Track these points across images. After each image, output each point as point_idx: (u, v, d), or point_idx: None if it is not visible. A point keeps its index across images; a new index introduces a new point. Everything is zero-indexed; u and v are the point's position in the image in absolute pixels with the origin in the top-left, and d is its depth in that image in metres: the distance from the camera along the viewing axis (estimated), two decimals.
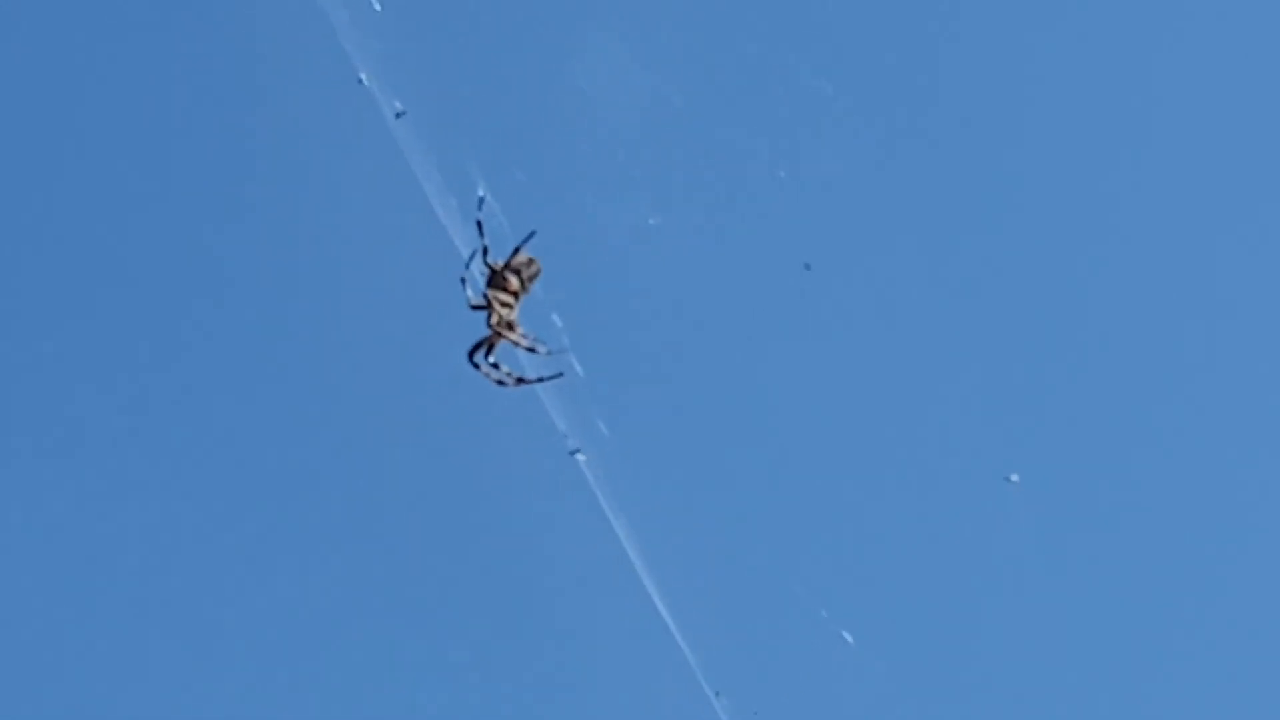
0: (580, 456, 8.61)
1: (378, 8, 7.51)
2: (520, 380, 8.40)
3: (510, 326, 8.19)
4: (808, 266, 8.81)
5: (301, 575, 12.19)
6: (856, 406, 10.29)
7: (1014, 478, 9.23)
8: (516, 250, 8.28)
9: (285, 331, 11.44)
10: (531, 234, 8.26)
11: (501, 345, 8.38)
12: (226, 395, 12.07)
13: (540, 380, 8.41)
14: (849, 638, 8.67)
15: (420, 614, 11.61)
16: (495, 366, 8.38)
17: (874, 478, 10.59)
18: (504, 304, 8.25)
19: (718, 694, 8.97)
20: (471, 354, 8.36)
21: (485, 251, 8.24)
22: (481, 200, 8.16)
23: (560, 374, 8.37)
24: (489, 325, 8.27)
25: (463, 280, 8.33)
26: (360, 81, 8.10)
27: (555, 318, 8.50)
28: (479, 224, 8.22)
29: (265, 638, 14.07)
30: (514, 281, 8.25)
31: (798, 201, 8.97)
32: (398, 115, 8.18)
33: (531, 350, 8.32)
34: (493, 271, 8.23)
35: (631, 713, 11.50)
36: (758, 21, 9.38)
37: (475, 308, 8.33)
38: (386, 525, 11.18)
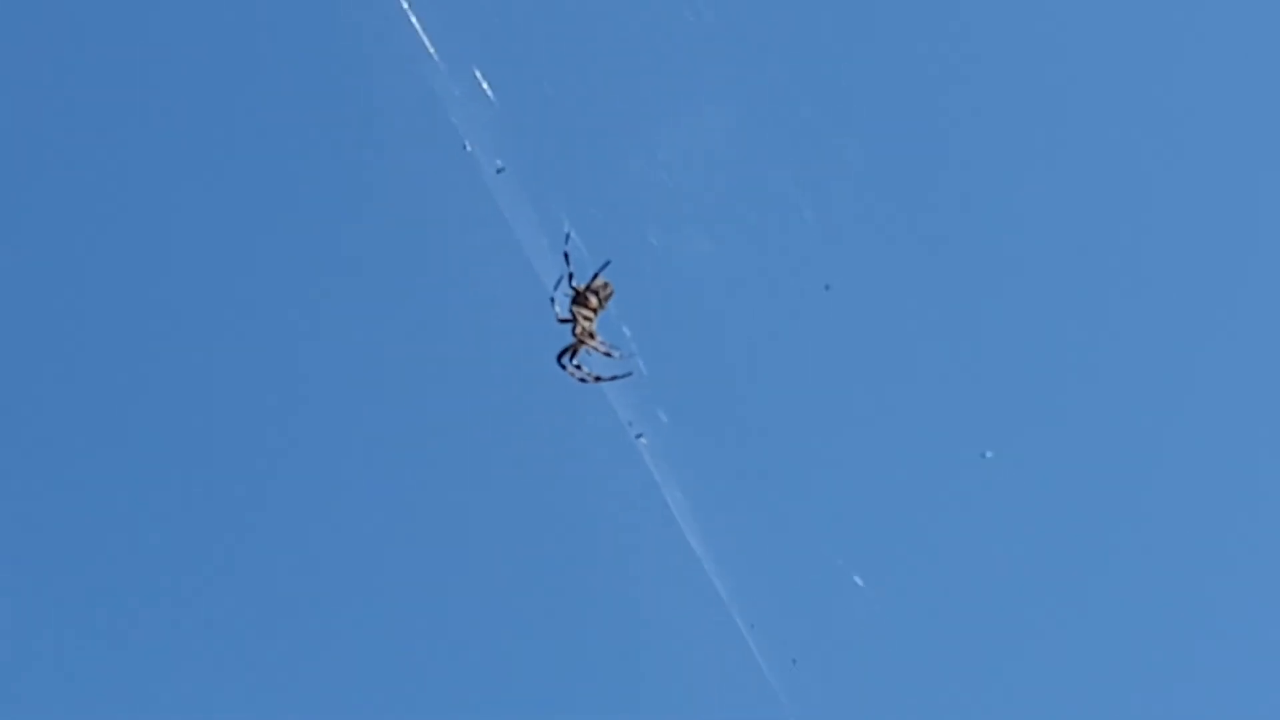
0: (642, 440, 10.82)
1: (489, 95, 9.74)
2: (598, 378, 10.62)
3: (591, 336, 10.42)
4: (827, 287, 11.04)
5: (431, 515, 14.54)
6: (868, 399, 12.53)
7: (988, 454, 11.43)
8: (595, 275, 10.50)
9: (421, 339, 13.73)
10: (607, 263, 10.48)
11: (583, 351, 10.60)
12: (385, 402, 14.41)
13: (614, 379, 10.62)
14: (859, 581, 10.86)
15: (509, 559, 13.91)
16: (578, 368, 10.59)
17: (879, 457, 12.82)
18: (585, 318, 10.47)
19: (794, 661, 11.16)
20: (559, 357, 10.58)
21: (571, 276, 10.46)
22: (568, 236, 10.38)
23: (630, 374, 10.58)
24: (574, 335, 10.49)
25: (551, 299, 10.55)
26: (465, 148, 10.31)
27: (625, 329, 10.72)
28: (565, 255, 10.45)
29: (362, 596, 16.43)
30: (593, 300, 10.48)
31: (818, 237, 11.16)
32: (498, 171, 10.41)
33: (607, 355, 10.53)
34: (576, 292, 10.45)
35: (674, 656, 13.72)
36: (790, 96, 11.63)
37: (562, 321, 10.56)
38: (493, 489, 13.45)
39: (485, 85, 10.11)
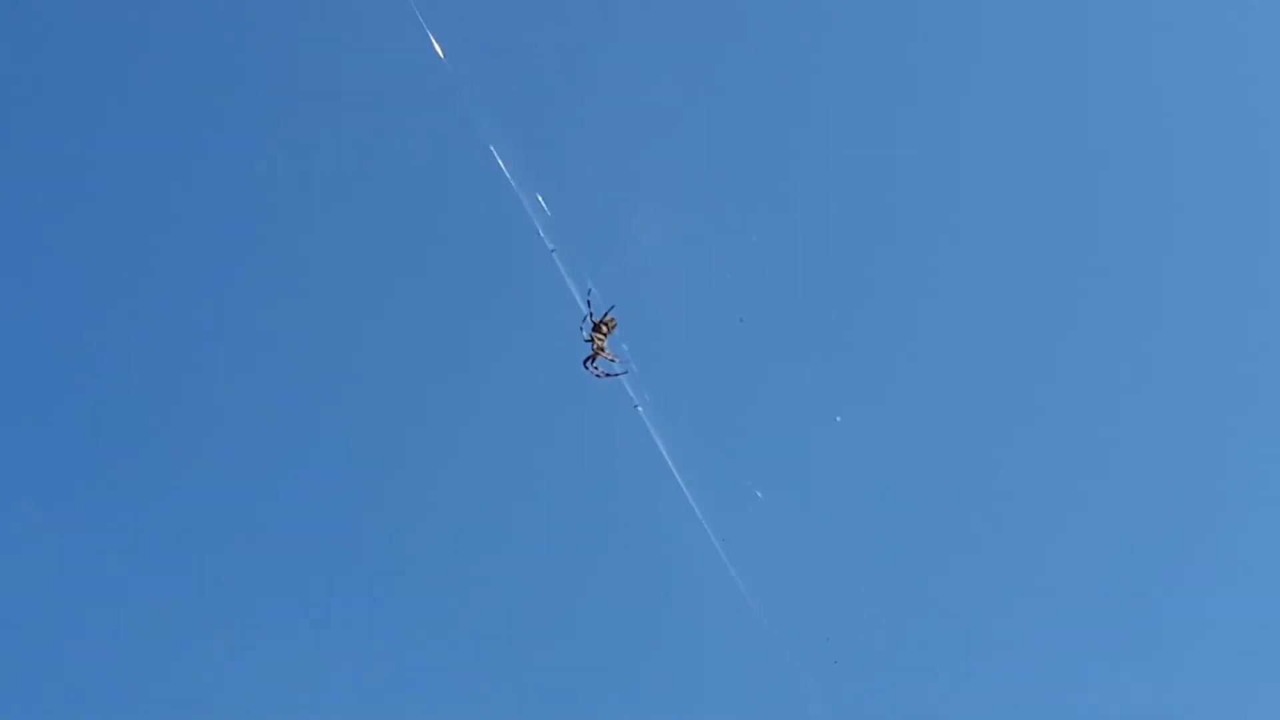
0: (640, 409, 18.39)
1: (547, 212, 17.36)
2: (608, 375, 18.19)
3: (603, 350, 18.01)
4: (741, 320, 18.84)
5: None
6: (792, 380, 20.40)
7: (839, 418, 19.10)
8: (606, 313, 18.07)
9: (491, 357, 21.58)
10: (612, 306, 18.05)
11: (599, 359, 18.19)
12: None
13: (618, 375, 18.19)
14: (759, 493, 18.54)
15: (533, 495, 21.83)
16: (596, 369, 18.17)
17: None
18: (600, 338, 18.05)
19: (827, 638, 19.02)
20: (584, 363, 18.18)
21: (590, 315, 18.04)
22: (589, 291, 17.96)
23: (626, 372, 18.15)
24: (593, 349, 18.08)
25: (580, 328, 18.14)
26: (549, 249, 17.86)
27: (624, 345, 18.30)
28: (588, 301, 18.01)
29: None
30: (604, 329, 18.06)
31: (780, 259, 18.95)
32: (551, 251, 17.99)
33: (613, 361, 18.12)
34: (595, 324, 18.03)
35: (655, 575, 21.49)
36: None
37: (587, 341, 18.14)
38: (547, 436, 21.34)
39: (543, 202, 17.68)
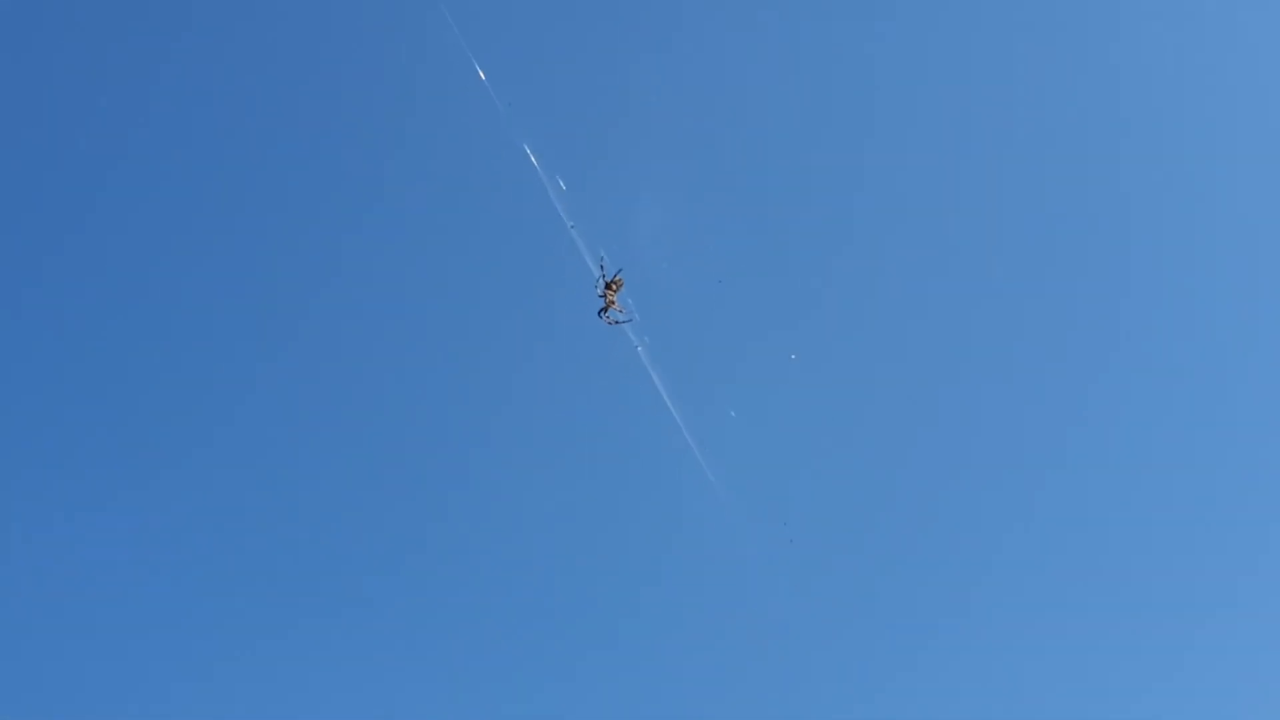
0: (640, 349, 23.83)
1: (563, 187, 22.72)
2: (617, 322, 23.62)
3: (613, 303, 23.42)
4: (720, 281, 24.23)
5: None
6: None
7: (793, 356, 24.61)
8: (616, 273, 23.48)
9: (524, 311, 27.06)
10: (620, 269, 23.45)
11: (610, 310, 23.60)
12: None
13: (626, 321, 23.60)
14: (732, 413, 24.01)
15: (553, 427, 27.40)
16: (608, 317, 23.57)
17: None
18: (612, 293, 23.46)
19: (791, 541, 24.60)
20: (599, 313, 23.59)
21: (604, 275, 23.43)
22: (602, 259, 23.35)
23: (631, 320, 23.58)
24: (605, 302, 23.48)
25: (595, 286, 23.53)
26: (569, 227, 23.27)
27: (630, 299, 23.72)
28: (602, 266, 23.42)
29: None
30: (615, 285, 23.46)
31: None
32: (570, 226, 23.36)
33: (621, 311, 23.52)
34: (607, 284, 23.43)
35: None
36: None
37: (601, 296, 23.54)
38: (565, 368, 26.90)
39: (562, 184, 23.04)
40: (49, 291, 30.87)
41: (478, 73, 22.85)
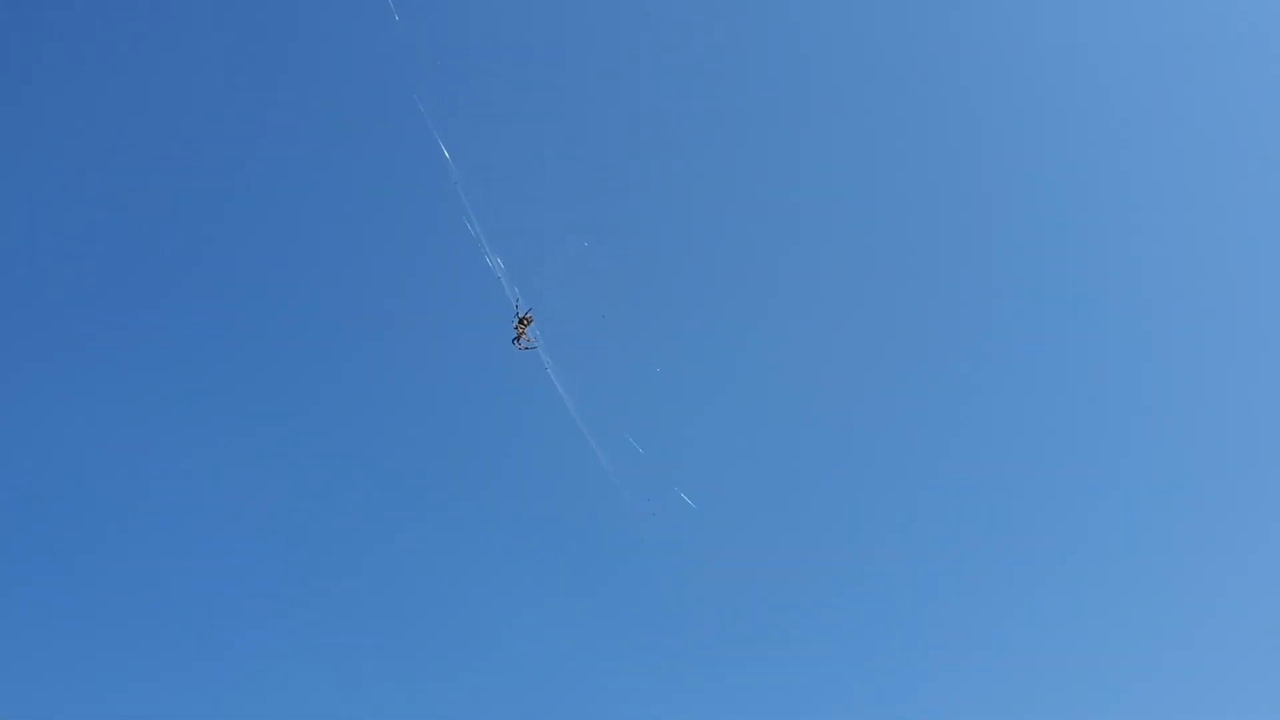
0: (549, 370, 30.83)
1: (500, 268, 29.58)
2: (527, 348, 30.58)
3: (523, 335, 30.36)
4: (587, 244, 31.20)
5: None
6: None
7: (659, 369, 31.51)
8: (528, 311, 30.40)
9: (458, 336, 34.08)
10: (530, 307, 30.37)
11: (522, 340, 30.56)
12: None
13: (531, 348, 30.57)
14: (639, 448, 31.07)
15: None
16: (519, 345, 30.54)
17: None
18: (523, 326, 30.40)
19: (652, 513, 31.60)
20: (513, 341, 30.56)
21: (518, 312, 30.35)
22: (518, 301, 30.25)
23: (536, 348, 30.53)
24: (518, 333, 30.42)
25: (512, 322, 30.46)
26: (496, 275, 30.10)
27: (537, 332, 30.62)
28: (516, 304, 30.35)
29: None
30: (526, 320, 30.39)
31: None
32: (498, 275, 30.23)
33: (530, 340, 30.47)
34: (520, 319, 30.36)
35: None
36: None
37: (515, 328, 30.49)
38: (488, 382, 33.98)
39: (498, 265, 29.85)
40: None
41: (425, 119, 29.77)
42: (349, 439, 38.69)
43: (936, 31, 41.40)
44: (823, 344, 40.76)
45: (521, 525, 38.50)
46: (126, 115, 39.24)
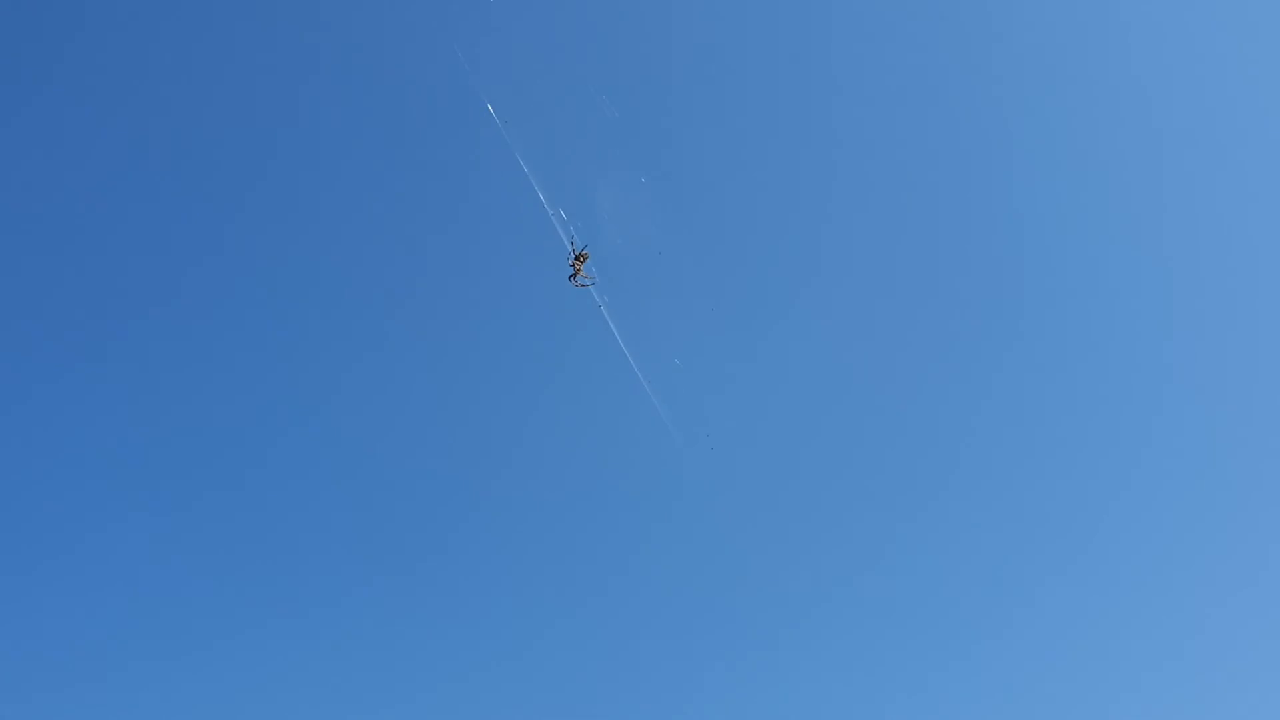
0: (602, 307, 29.86)
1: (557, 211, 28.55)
2: (583, 285, 29.60)
3: (580, 271, 29.39)
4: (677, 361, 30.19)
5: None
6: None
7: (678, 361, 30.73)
8: (583, 248, 29.42)
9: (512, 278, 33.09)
10: (586, 245, 29.39)
11: (579, 277, 29.59)
12: None
13: (589, 285, 29.61)
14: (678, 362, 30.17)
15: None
16: (575, 282, 29.56)
17: None
18: (579, 263, 29.42)
19: (710, 447, 30.64)
20: (570, 279, 29.58)
21: (573, 248, 29.37)
22: (572, 234, 29.27)
23: (594, 283, 29.56)
24: (573, 269, 29.46)
25: (566, 257, 29.48)
26: (552, 214, 29.08)
27: (593, 267, 29.66)
28: (571, 241, 29.33)
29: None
30: (582, 257, 29.42)
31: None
32: (552, 214, 29.24)
33: (587, 277, 29.51)
34: (575, 255, 29.38)
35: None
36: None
37: (570, 265, 29.51)
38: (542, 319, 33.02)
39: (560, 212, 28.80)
40: None
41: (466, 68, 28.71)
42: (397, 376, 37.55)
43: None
44: (886, 303, 39.87)
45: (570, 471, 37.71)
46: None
